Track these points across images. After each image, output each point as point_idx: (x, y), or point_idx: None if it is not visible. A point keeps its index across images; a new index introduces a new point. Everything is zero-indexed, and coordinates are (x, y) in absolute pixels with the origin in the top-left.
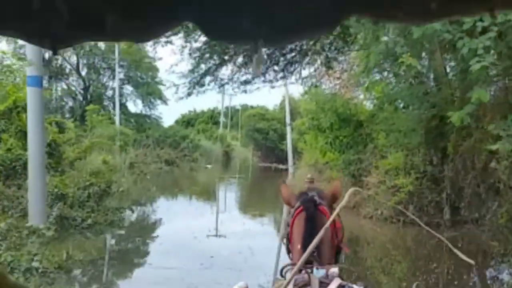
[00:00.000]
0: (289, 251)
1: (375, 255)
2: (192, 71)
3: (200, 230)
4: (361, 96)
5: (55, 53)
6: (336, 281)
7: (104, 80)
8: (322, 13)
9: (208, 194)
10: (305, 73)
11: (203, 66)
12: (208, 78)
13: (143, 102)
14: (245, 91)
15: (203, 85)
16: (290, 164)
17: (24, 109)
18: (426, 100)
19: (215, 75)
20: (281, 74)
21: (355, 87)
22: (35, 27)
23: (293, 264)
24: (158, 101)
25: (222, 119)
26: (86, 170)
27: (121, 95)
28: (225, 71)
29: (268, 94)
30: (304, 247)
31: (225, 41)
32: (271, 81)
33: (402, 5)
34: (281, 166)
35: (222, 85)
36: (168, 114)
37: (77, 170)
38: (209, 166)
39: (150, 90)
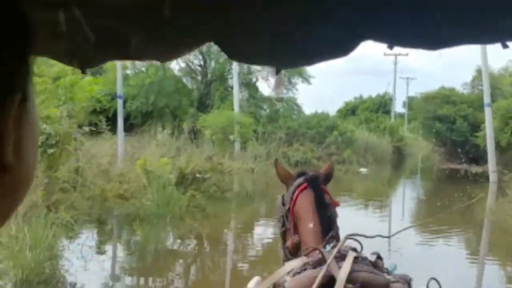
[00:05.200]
0: (283, 229)
1: None
2: None
3: None
4: None
5: (84, 72)
6: (352, 254)
7: None
8: (339, 39)
9: None
10: None
11: None
12: None
13: None
14: None
15: None
16: (492, 168)
17: None
18: None
19: None
20: None
21: None
22: (64, 48)
23: (315, 249)
24: (299, 80)
25: (393, 106)
26: None
27: (249, 73)
28: None
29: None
30: (319, 226)
31: (244, 62)
32: None
33: (415, 32)
34: (473, 169)
35: None
36: (315, 97)
37: None
38: (363, 170)
39: None
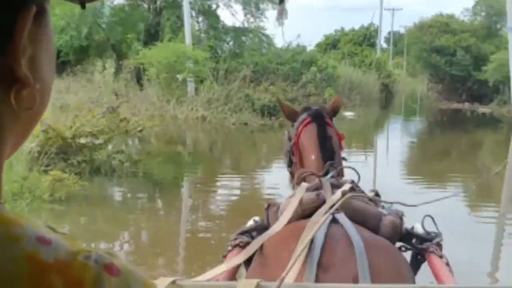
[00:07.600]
0: (290, 164)
1: None
2: None
3: None
4: None
5: (83, 8)
6: (348, 184)
7: None
8: None
9: None
10: None
11: None
12: None
13: (244, 9)
14: None
15: None
16: None
17: None
18: None
19: None
20: None
21: None
22: None
23: (312, 173)
24: (269, 6)
25: (379, 39)
26: None
27: None
28: None
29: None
30: (321, 157)
31: None
32: None
33: None
34: (481, 109)
35: None
36: (289, 34)
37: None
38: (349, 114)
39: None
